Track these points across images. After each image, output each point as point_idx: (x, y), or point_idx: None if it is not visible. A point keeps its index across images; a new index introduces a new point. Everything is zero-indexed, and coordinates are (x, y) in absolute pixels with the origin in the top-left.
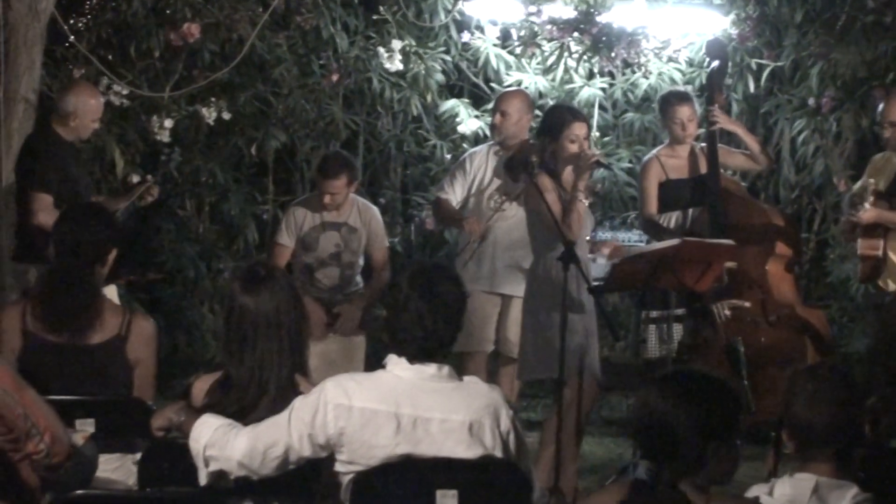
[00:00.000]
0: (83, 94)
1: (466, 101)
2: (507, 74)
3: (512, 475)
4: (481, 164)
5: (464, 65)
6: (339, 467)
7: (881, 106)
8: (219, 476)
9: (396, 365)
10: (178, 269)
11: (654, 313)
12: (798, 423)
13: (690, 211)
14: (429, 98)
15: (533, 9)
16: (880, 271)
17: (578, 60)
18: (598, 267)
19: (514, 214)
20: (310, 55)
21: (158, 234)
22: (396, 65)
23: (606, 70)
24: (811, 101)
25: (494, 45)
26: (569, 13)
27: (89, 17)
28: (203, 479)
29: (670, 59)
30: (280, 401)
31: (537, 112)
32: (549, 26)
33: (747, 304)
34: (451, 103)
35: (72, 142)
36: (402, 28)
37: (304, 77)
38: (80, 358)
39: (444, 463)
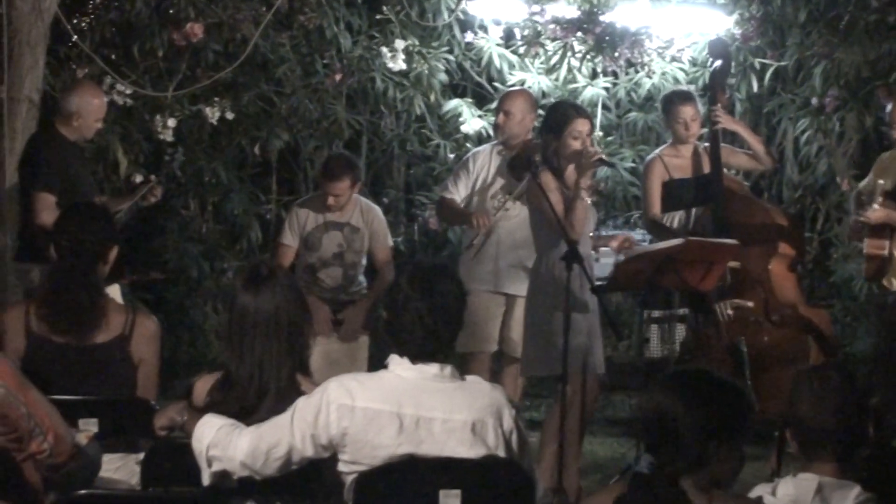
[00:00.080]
0: (86, 93)
1: (470, 100)
2: (511, 74)
3: (515, 475)
4: (484, 164)
5: (467, 64)
6: (341, 467)
7: (889, 106)
8: (222, 476)
9: (399, 365)
10: (182, 268)
11: (656, 313)
12: (801, 422)
13: (693, 211)
14: (432, 98)
15: (536, 8)
16: (885, 271)
17: (582, 60)
18: (602, 266)
19: (517, 214)
20: (313, 55)
21: (162, 234)
22: (400, 64)
23: (610, 70)
24: (814, 101)
25: (498, 44)
26: (572, 13)
27: (93, 16)
28: (206, 480)
29: (673, 59)
30: (282, 401)
31: (540, 112)
32: (552, 26)
33: (750, 304)
34: (454, 103)
35: (75, 141)
36: (405, 28)
37: (308, 77)
38: (84, 357)
39: (446, 463)
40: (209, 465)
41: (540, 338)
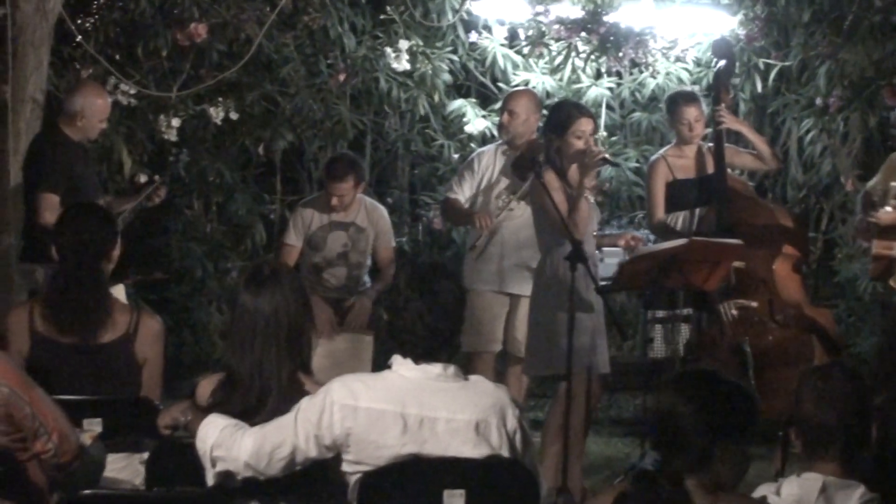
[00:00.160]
0: (90, 94)
1: (473, 100)
2: (515, 74)
3: (519, 474)
4: (489, 164)
5: (471, 64)
6: (345, 467)
7: None
8: (226, 476)
9: (402, 365)
10: (186, 268)
11: (660, 313)
12: (806, 422)
13: (697, 211)
14: (436, 98)
15: (540, 8)
16: (892, 271)
17: (586, 60)
18: (606, 266)
19: (521, 214)
20: (317, 55)
21: (166, 234)
22: (404, 65)
23: (614, 70)
24: (819, 101)
25: (502, 44)
26: (576, 13)
27: (97, 16)
28: (210, 480)
29: (678, 59)
30: (285, 401)
31: (544, 112)
32: (556, 26)
33: (754, 304)
34: (458, 103)
35: (79, 142)
36: (409, 28)
37: (312, 77)
38: (89, 357)
39: (450, 462)
40: (213, 465)
41: (544, 337)
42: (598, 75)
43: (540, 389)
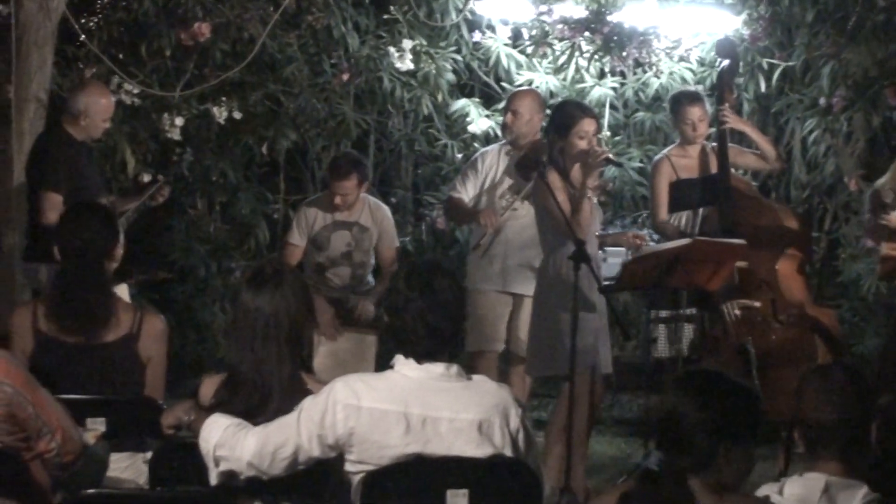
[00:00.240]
0: (94, 93)
1: (477, 100)
2: (518, 74)
3: (522, 474)
4: (493, 164)
5: (475, 64)
6: (348, 467)
7: None
8: (229, 476)
9: (405, 365)
10: (189, 268)
11: (663, 313)
12: (808, 421)
13: (700, 210)
14: (439, 97)
15: (544, 8)
16: None
17: (589, 60)
18: (610, 266)
19: (525, 214)
20: (321, 54)
21: (169, 233)
22: (407, 64)
23: (617, 69)
24: (822, 101)
25: (505, 44)
26: (580, 13)
27: (100, 16)
28: (213, 479)
29: (681, 59)
30: (288, 401)
31: (548, 111)
32: (560, 26)
33: (758, 304)
34: (461, 103)
35: (83, 141)
36: (412, 27)
37: (315, 76)
38: (93, 357)
39: (453, 462)
40: (216, 464)
41: (547, 338)
42: (602, 75)
43: (543, 389)
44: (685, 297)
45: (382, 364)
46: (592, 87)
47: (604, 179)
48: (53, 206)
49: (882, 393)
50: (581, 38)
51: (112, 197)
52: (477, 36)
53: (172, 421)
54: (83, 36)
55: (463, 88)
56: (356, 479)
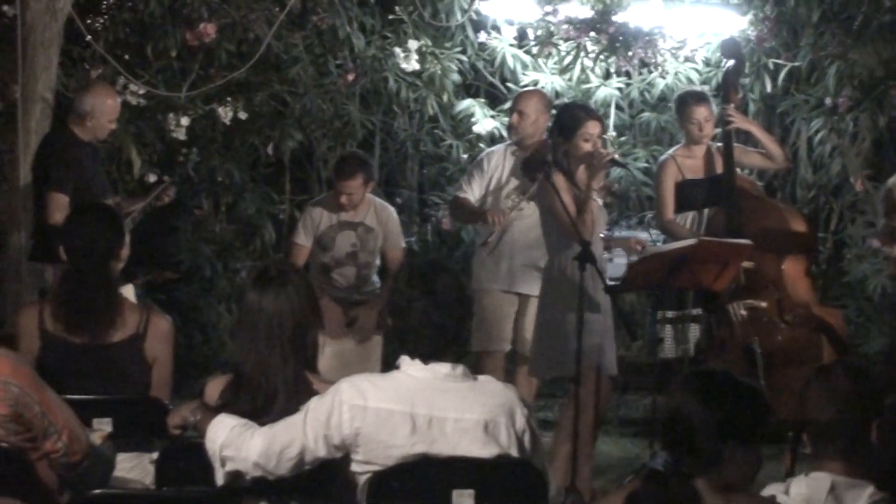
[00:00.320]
0: (100, 94)
1: (482, 100)
2: (524, 74)
3: (528, 474)
4: (499, 164)
5: (480, 64)
6: (354, 467)
7: None
8: (235, 476)
9: (410, 366)
10: (195, 268)
11: (669, 313)
12: (816, 421)
13: (706, 211)
14: (445, 98)
15: (549, 8)
16: None
17: (595, 60)
18: (616, 266)
19: (531, 214)
20: (326, 55)
21: (175, 234)
22: (413, 65)
23: (623, 70)
24: (828, 101)
25: (511, 45)
26: (585, 13)
27: (106, 16)
28: (219, 479)
29: (687, 59)
30: (294, 401)
31: (554, 111)
32: (565, 26)
33: (764, 304)
34: (466, 103)
35: (89, 141)
36: (418, 28)
37: (321, 77)
38: (99, 357)
39: (459, 462)
40: (223, 464)
41: (552, 339)
42: (608, 75)
43: (549, 389)
44: (691, 298)
45: (388, 365)
46: (598, 87)
47: (609, 180)
48: (59, 207)
49: (888, 393)
50: (586, 39)
51: (118, 197)
52: (482, 36)
53: (178, 421)
54: (89, 36)
55: (468, 89)
56: (362, 479)
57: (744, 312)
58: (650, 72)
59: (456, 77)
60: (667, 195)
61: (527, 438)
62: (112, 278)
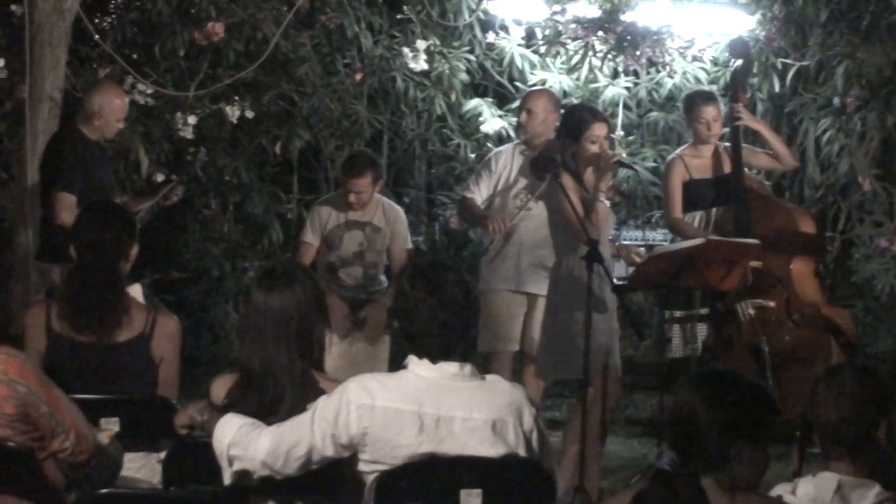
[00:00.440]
0: (108, 93)
1: (490, 100)
2: (532, 74)
3: (536, 474)
4: (507, 164)
5: (488, 64)
6: (362, 467)
7: None
8: (243, 475)
9: (418, 365)
10: (203, 268)
11: (677, 313)
12: (823, 421)
13: (714, 210)
14: (453, 97)
15: (557, 8)
16: None
17: (603, 59)
18: (623, 266)
19: (539, 213)
20: (334, 54)
21: (183, 234)
22: (421, 65)
23: (631, 69)
24: (836, 101)
25: (519, 44)
26: (593, 12)
27: (114, 16)
28: (227, 479)
29: (695, 59)
30: (301, 400)
31: (562, 111)
32: (573, 25)
33: (772, 304)
34: (474, 102)
35: (97, 141)
36: (426, 27)
37: (329, 76)
38: (105, 356)
39: (467, 462)
40: (230, 464)
41: (559, 339)
42: (615, 75)
43: (557, 389)
44: (699, 297)
45: (396, 364)
46: (606, 86)
47: (618, 180)
48: (66, 207)
49: None
50: (594, 38)
51: (125, 197)
52: (490, 36)
53: (186, 421)
54: (97, 36)
55: (476, 88)
56: (370, 478)
57: (752, 312)
58: (658, 71)
59: (464, 76)
60: (674, 194)
61: (534, 438)
62: (120, 278)
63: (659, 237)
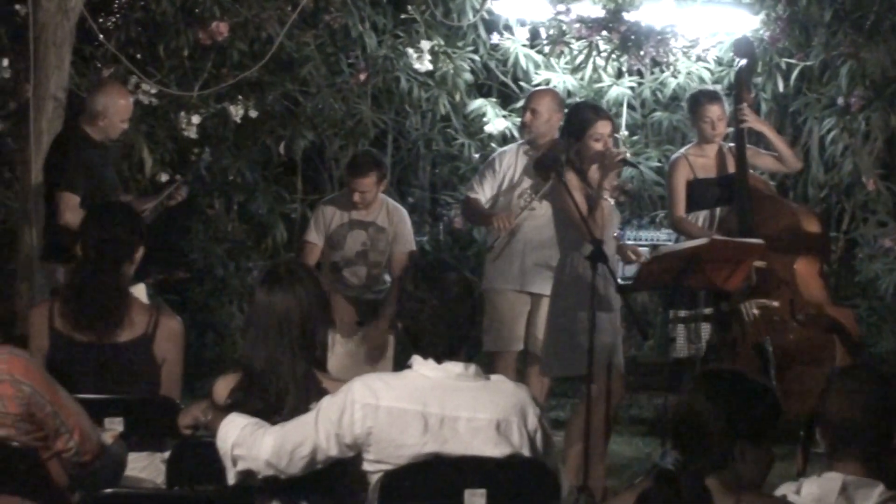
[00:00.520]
0: (113, 93)
1: (494, 100)
2: (536, 73)
3: (540, 474)
4: (511, 163)
5: (492, 64)
6: (366, 467)
7: None
8: (247, 475)
9: (423, 365)
10: (207, 268)
11: (682, 313)
12: (832, 422)
13: (718, 210)
14: (457, 97)
15: (561, 7)
16: None
17: (607, 59)
18: (627, 266)
19: (543, 213)
20: (338, 54)
21: (187, 234)
22: (425, 65)
23: (635, 69)
24: (840, 100)
25: (523, 44)
26: (597, 12)
27: (118, 16)
28: (231, 479)
29: (699, 58)
30: (305, 399)
31: (566, 110)
32: (577, 25)
33: (776, 304)
34: (478, 102)
35: (101, 141)
36: (430, 27)
37: (333, 76)
38: (108, 356)
39: (471, 462)
40: (234, 464)
41: (564, 338)
42: (620, 74)
43: (561, 389)
44: (703, 297)
45: (400, 364)
46: (610, 86)
47: (623, 179)
48: (70, 207)
49: None
50: (598, 38)
51: (129, 197)
52: (494, 37)
53: (190, 421)
54: (101, 36)
55: (480, 88)
56: (374, 478)
57: (756, 312)
58: (662, 71)
59: (468, 76)
60: (679, 193)
61: (539, 438)
62: (123, 279)
63: (663, 237)
